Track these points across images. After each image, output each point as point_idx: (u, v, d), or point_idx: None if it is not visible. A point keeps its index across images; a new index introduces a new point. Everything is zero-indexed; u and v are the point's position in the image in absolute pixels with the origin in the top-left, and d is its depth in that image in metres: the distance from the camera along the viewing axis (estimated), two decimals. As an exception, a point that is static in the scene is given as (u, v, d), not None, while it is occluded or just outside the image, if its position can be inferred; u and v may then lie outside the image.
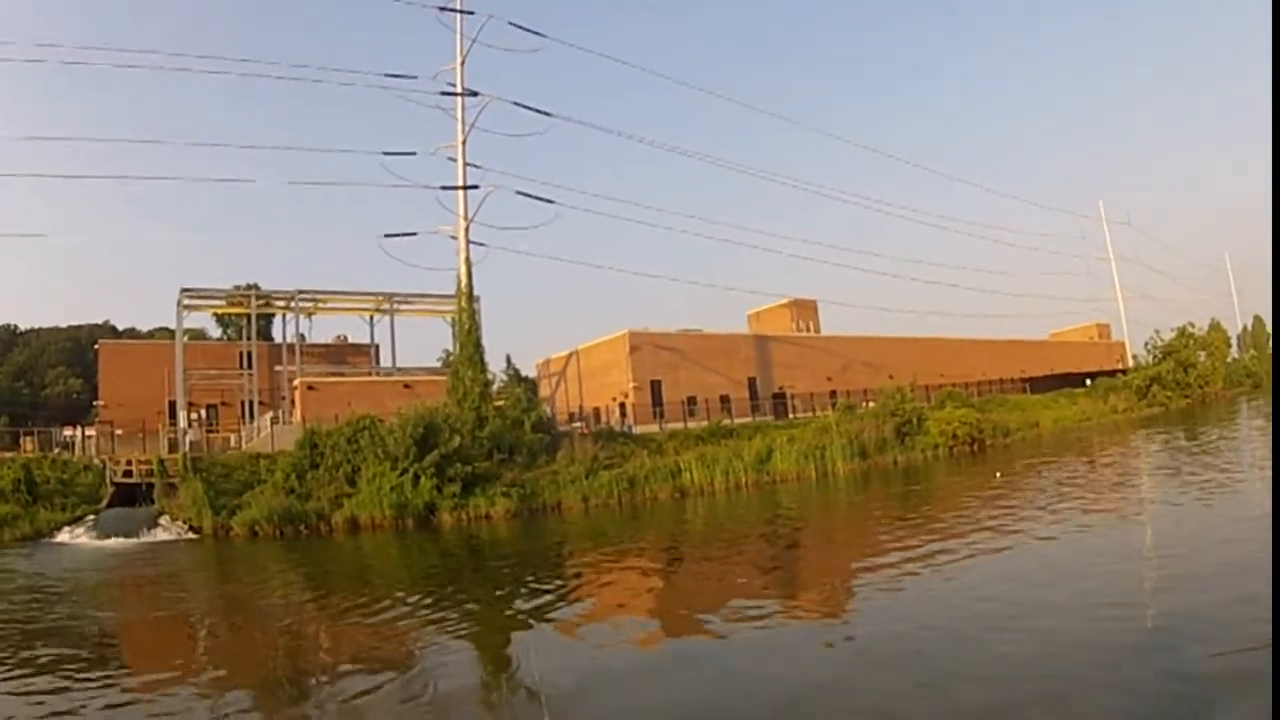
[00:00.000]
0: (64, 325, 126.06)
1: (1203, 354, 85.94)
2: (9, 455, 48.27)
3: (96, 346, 77.40)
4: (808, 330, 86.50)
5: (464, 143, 53.59)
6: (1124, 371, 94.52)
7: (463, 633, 16.22)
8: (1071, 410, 73.75)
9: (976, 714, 9.42)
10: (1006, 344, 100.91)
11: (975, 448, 52.56)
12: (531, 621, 16.67)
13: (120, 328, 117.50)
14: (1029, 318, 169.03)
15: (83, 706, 11.78)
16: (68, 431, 57.85)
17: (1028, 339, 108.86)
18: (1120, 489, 30.25)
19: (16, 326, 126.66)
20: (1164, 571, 16.21)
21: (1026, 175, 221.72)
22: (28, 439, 56.79)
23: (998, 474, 37.08)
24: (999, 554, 19.28)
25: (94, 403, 73.06)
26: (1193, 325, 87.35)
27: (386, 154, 52.18)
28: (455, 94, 53.95)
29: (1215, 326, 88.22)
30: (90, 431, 56.46)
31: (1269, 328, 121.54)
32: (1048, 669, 10.64)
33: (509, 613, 17.94)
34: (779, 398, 73.28)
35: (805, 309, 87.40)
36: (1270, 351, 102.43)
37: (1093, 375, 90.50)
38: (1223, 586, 13.20)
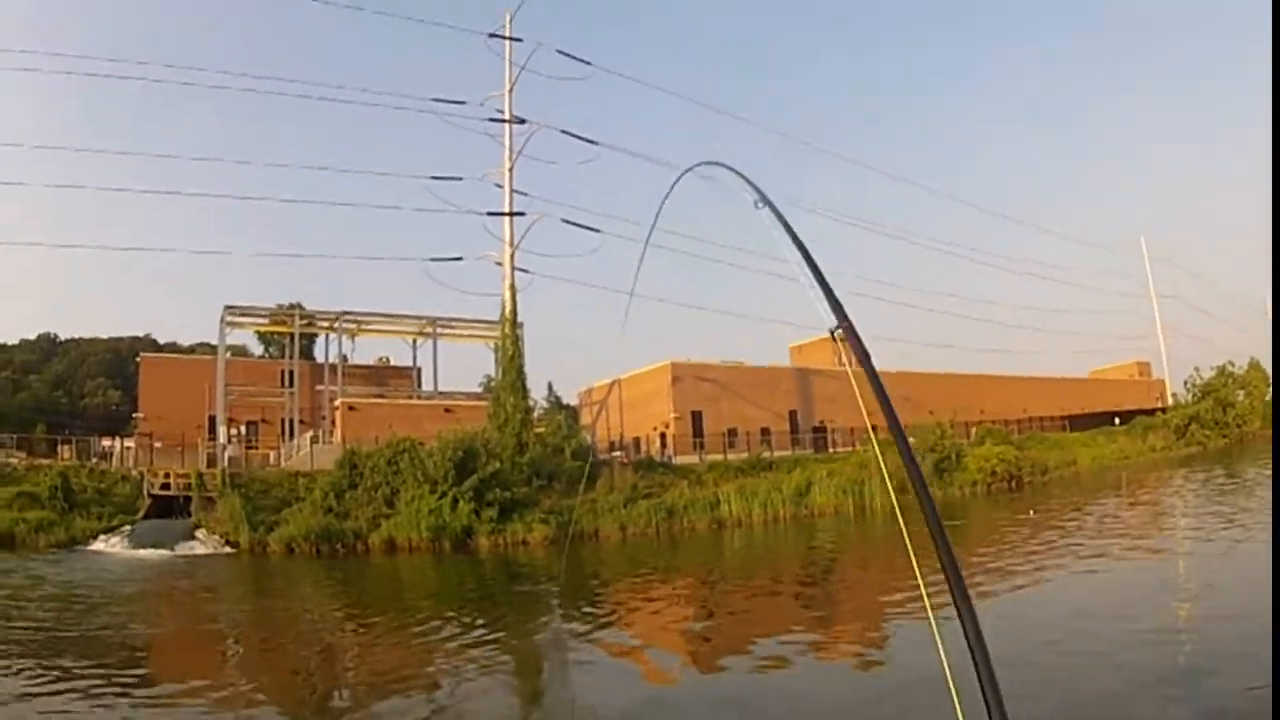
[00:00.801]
0: (104, 336, 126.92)
1: (1241, 393, 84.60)
2: (46, 462, 48.59)
3: (138, 359, 77.73)
4: (850, 364, 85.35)
5: (511, 169, 53.74)
6: (1163, 410, 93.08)
7: (495, 657, 15.98)
8: (1110, 449, 72.87)
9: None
10: (1046, 381, 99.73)
11: (1013, 485, 52.09)
12: (565, 649, 16.52)
13: (161, 341, 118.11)
14: (1069, 354, 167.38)
15: (107, 716, 11.63)
16: (106, 442, 58.21)
17: (1067, 376, 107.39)
18: (1158, 526, 29.85)
19: (56, 335, 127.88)
20: (1200, 607, 15.86)
21: (1068, 211, 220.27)
22: (65, 447, 57.11)
23: (1030, 511, 36.90)
24: (1037, 587, 19.11)
25: (133, 414, 73.38)
26: (1232, 364, 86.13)
27: (434, 178, 52.10)
28: (503, 120, 54.17)
29: (1254, 366, 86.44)
30: (129, 443, 56.81)
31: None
32: (1088, 693, 10.59)
33: (542, 639, 17.84)
34: (819, 431, 72.82)
35: (847, 342, 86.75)
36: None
37: (1131, 414, 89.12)
38: (1259, 621, 12.88)
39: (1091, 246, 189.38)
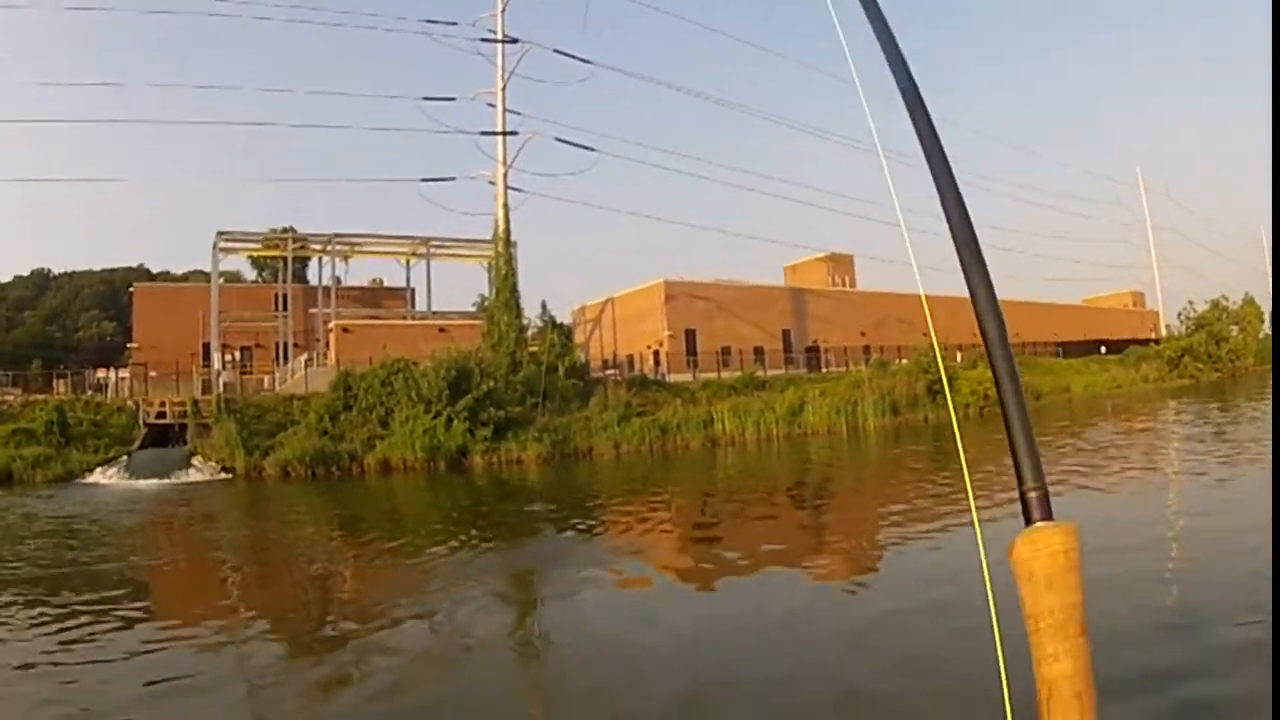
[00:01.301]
0: (97, 269, 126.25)
1: (1235, 328, 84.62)
2: (42, 397, 48.74)
3: (131, 289, 77.75)
4: (843, 285, 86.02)
5: (504, 89, 53.84)
6: (1156, 341, 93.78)
7: (491, 577, 15.94)
8: (1103, 377, 73.50)
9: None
10: (1040, 306, 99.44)
11: (1004, 409, 51.85)
12: (559, 568, 16.43)
13: (154, 271, 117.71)
14: (1063, 281, 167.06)
15: (107, 648, 11.52)
16: (101, 374, 58.19)
17: (1061, 303, 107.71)
18: (1154, 455, 29.76)
19: (50, 270, 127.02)
20: (1192, 537, 15.84)
21: (1067, 139, 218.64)
22: (60, 381, 57.32)
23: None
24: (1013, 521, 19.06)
25: (127, 345, 73.19)
26: (1226, 299, 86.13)
27: (426, 99, 52.42)
28: (496, 40, 54.11)
29: (1249, 301, 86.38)
30: (124, 374, 56.72)
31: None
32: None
33: (536, 557, 17.81)
34: (812, 351, 73.35)
35: (841, 263, 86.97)
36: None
37: (1124, 343, 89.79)
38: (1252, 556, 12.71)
39: (1089, 175, 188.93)
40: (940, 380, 52.42)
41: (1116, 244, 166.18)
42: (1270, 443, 24.16)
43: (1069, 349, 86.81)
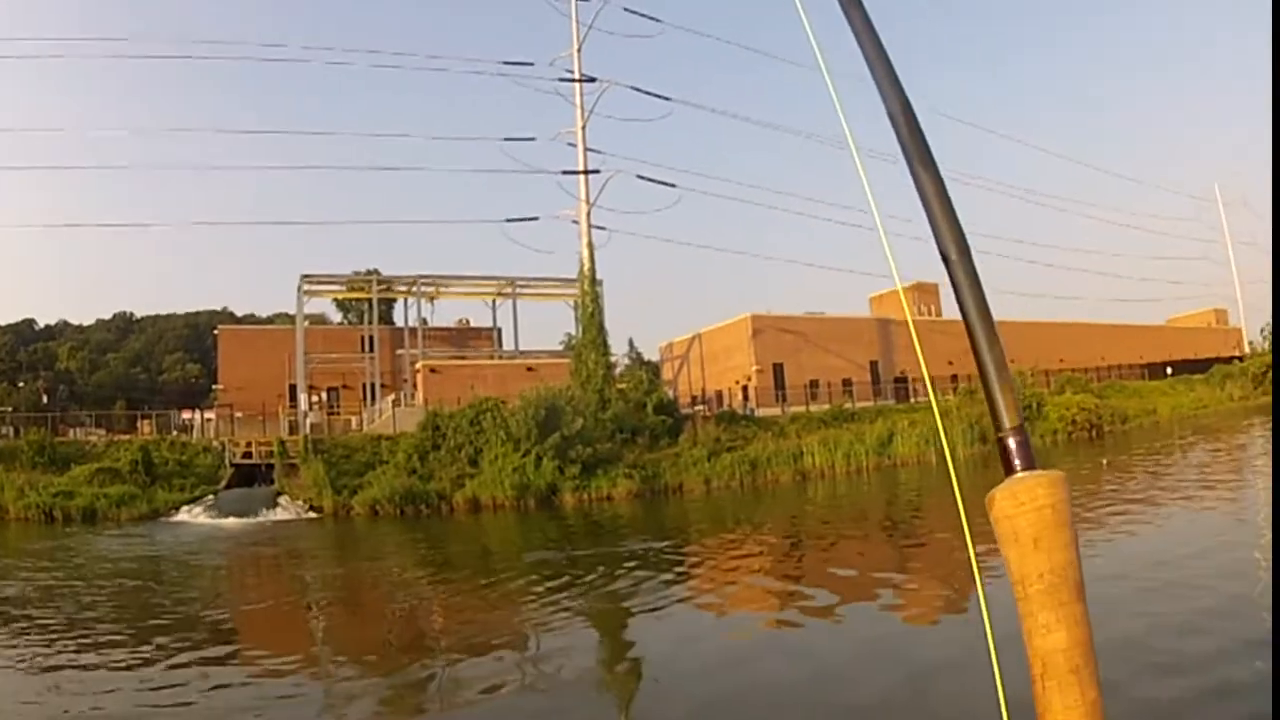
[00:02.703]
0: (181, 312, 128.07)
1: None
2: (126, 438, 48.84)
3: (216, 332, 78.12)
4: (929, 314, 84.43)
5: (584, 128, 53.61)
6: (1240, 358, 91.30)
7: (580, 613, 15.69)
8: (1188, 397, 71.66)
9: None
10: (1124, 329, 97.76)
11: (1093, 434, 51.47)
12: (648, 604, 16.04)
13: (239, 314, 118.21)
14: (1146, 302, 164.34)
15: (194, 685, 11.34)
16: (186, 415, 58.66)
17: (1145, 324, 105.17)
18: (1244, 476, 28.75)
19: (133, 314, 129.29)
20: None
21: (1143, 157, 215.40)
22: (145, 422, 57.62)
23: (1105, 461, 36.07)
24: (1120, 538, 18.37)
25: (213, 387, 74.02)
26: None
27: (507, 139, 52.35)
28: (573, 80, 53.93)
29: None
30: (209, 415, 57.29)
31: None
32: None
33: (627, 593, 17.25)
34: (900, 381, 72.15)
35: (927, 292, 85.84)
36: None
37: (1209, 362, 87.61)
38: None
39: (1167, 192, 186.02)
40: (1028, 407, 50.91)
41: (1198, 262, 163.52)
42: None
43: (1154, 370, 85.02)
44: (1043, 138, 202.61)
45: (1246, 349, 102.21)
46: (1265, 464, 28.72)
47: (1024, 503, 1.39)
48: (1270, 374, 74.88)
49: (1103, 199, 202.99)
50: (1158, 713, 8.37)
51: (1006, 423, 1.51)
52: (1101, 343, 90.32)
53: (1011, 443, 1.49)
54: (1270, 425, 28.50)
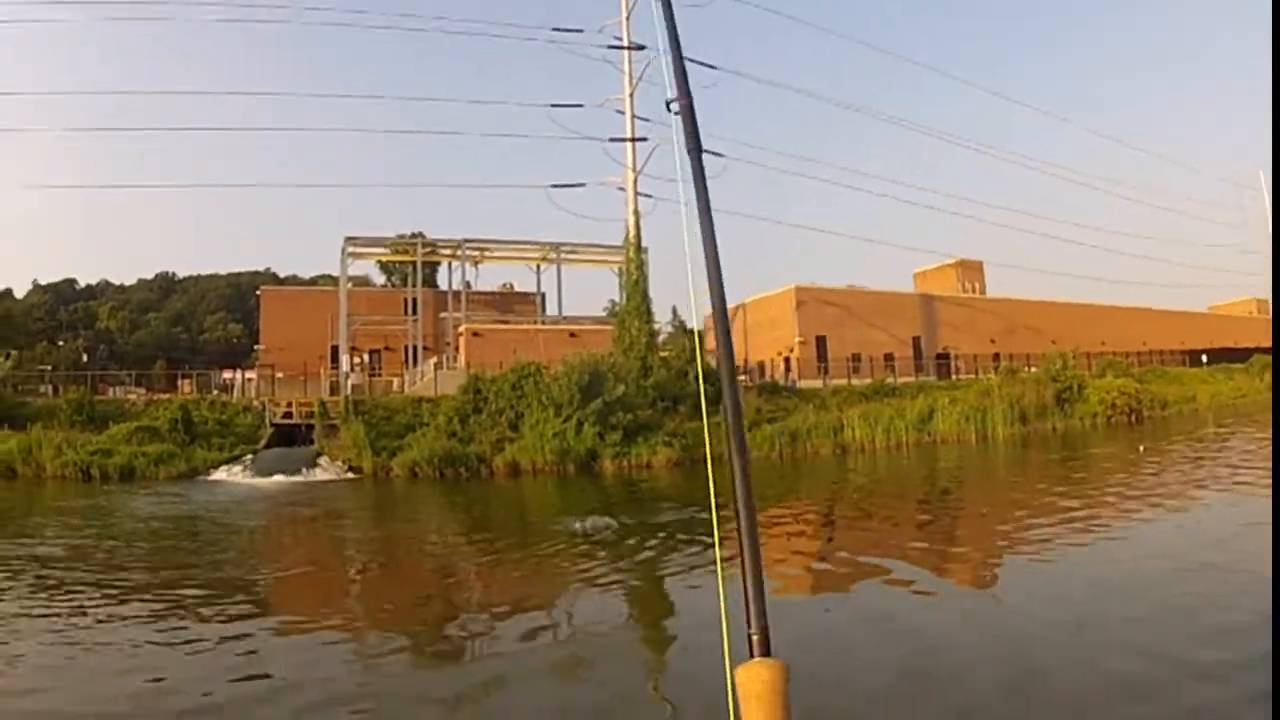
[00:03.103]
0: (224, 273, 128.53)
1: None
2: (166, 397, 49.15)
3: (258, 292, 78.83)
4: (973, 291, 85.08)
5: (632, 95, 53.44)
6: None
7: (615, 579, 15.59)
8: (1228, 385, 71.07)
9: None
10: (1166, 314, 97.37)
11: (1133, 418, 50.78)
12: (686, 569, 16.01)
13: (281, 275, 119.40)
14: (1189, 288, 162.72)
15: (229, 643, 11.20)
16: (227, 374, 59.12)
17: (1187, 310, 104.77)
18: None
19: (175, 274, 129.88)
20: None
21: (1190, 143, 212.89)
22: (185, 381, 58.12)
23: (1141, 448, 35.55)
24: (1150, 525, 18.06)
25: (254, 347, 74.63)
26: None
27: (554, 106, 51.76)
28: (622, 47, 53.55)
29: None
30: (250, 375, 57.84)
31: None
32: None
33: (665, 559, 17.24)
34: (943, 358, 72.28)
35: (971, 270, 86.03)
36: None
37: (1249, 351, 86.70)
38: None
39: (1212, 179, 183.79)
40: (1069, 389, 51.03)
41: (1242, 251, 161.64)
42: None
43: (1194, 357, 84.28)
44: (1099, 123, 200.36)
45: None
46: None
47: (753, 678, 1.94)
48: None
49: (1149, 184, 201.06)
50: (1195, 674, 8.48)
51: (754, 622, 2.06)
52: (1143, 327, 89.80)
53: (755, 637, 2.06)
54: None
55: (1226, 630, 9.62)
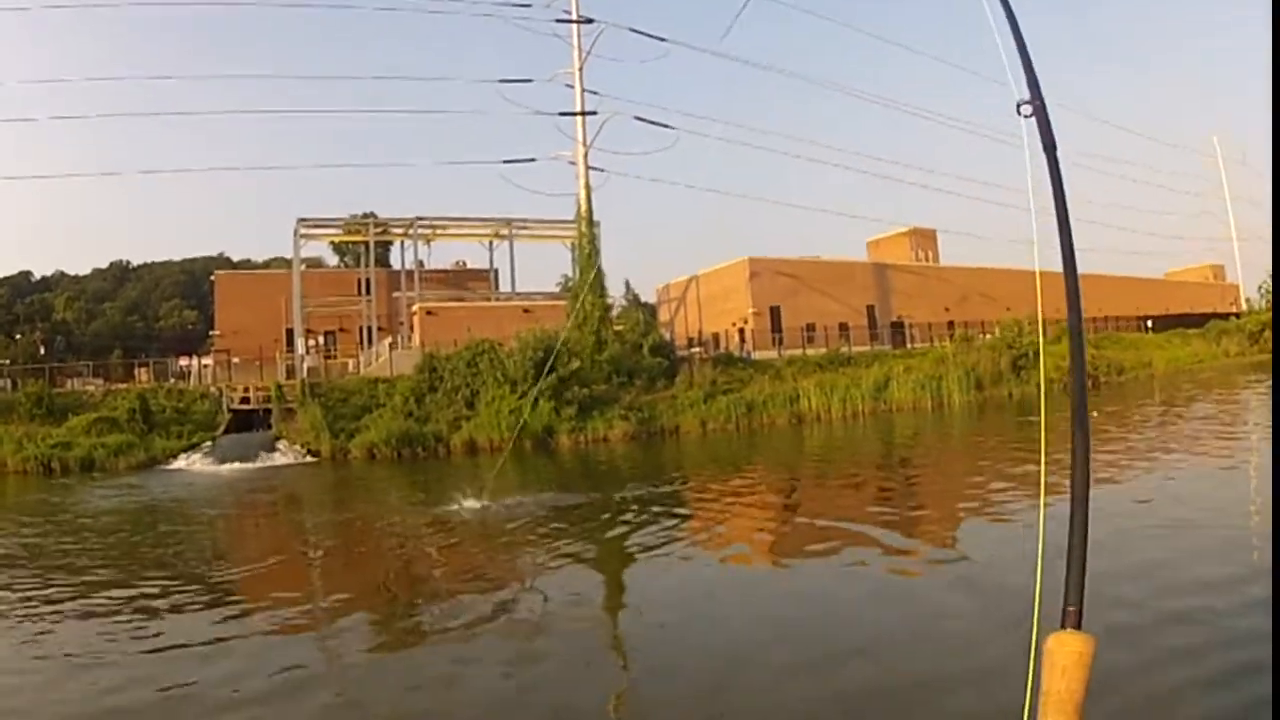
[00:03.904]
0: (177, 259, 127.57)
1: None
2: (124, 386, 49.03)
3: (212, 278, 78.44)
4: (927, 260, 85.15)
5: (581, 69, 53.45)
6: (1237, 315, 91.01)
7: (575, 554, 15.61)
8: (1184, 351, 71.46)
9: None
10: (1122, 281, 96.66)
11: (1090, 384, 50.62)
12: (643, 542, 16.11)
13: (235, 259, 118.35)
14: (1143, 255, 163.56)
15: (190, 629, 11.31)
16: (183, 361, 58.63)
17: (1143, 277, 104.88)
18: (1245, 431, 28.61)
19: (129, 262, 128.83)
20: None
21: (1144, 109, 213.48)
22: (142, 370, 57.87)
23: (1094, 413, 35.73)
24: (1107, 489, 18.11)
25: (210, 333, 74.45)
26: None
27: (503, 81, 51.86)
28: (571, 20, 53.73)
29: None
30: (206, 361, 57.52)
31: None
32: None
33: (621, 532, 17.28)
34: (897, 327, 72.28)
35: (924, 238, 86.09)
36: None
37: (1205, 317, 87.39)
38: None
39: (1166, 144, 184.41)
40: (1024, 355, 51.10)
41: (1197, 217, 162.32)
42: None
43: (1152, 324, 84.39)
44: (1055, 90, 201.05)
45: (1244, 305, 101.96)
46: (1262, 418, 28.65)
47: (1066, 647, 2.11)
48: (1267, 332, 74.93)
49: (1103, 149, 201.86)
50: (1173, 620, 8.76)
51: (1072, 599, 2.22)
52: (1098, 294, 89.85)
53: (1071, 610, 2.21)
54: (1270, 388, 28.29)
55: (1208, 583, 9.92)
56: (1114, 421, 32.34)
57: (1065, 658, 1.95)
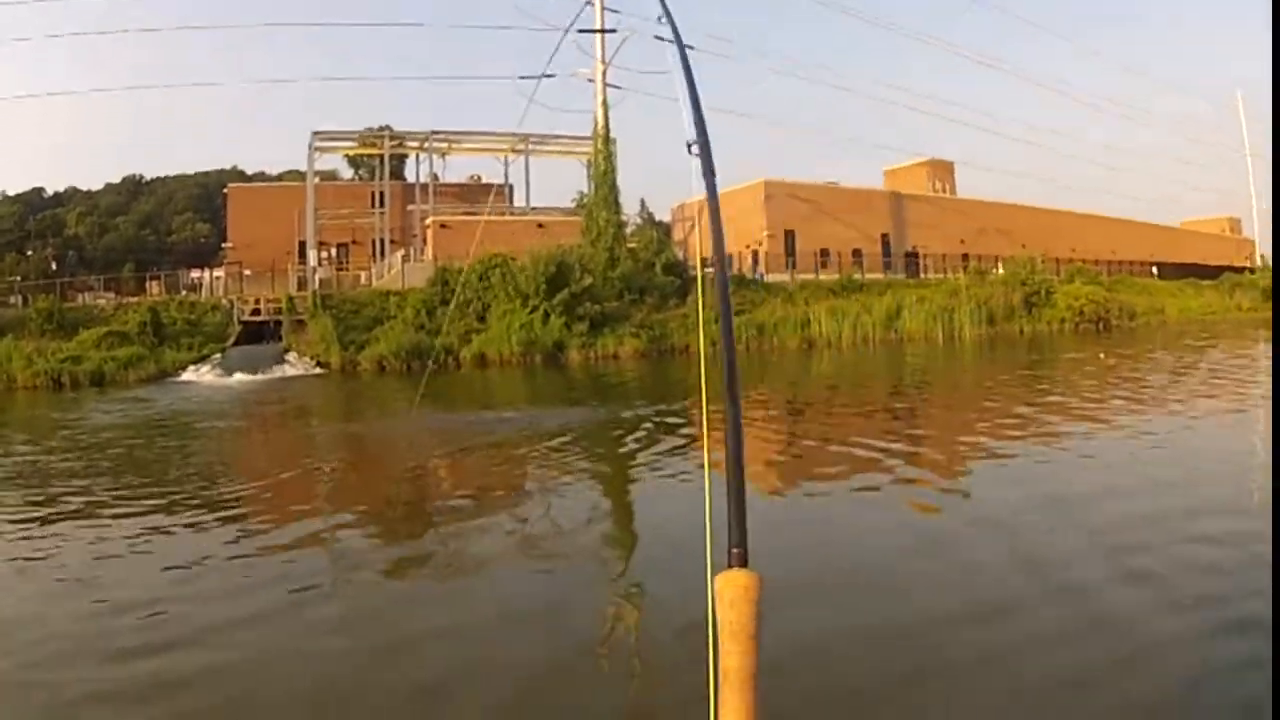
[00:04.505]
0: (191, 172, 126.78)
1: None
2: (135, 300, 48.82)
3: (225, 191, 78.71)
4: (944, 191, 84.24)
5: (600, -16, 52.75)
6: (1251, 270, 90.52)
7: (581, 469, 15.39)
8: (1197, 301, 71.17)
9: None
10: (1138, 226, 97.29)
11: (1101, 326, 51.04)
12: (647, 461, 15.70)
13: (249, 173, 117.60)
14: (1160, 202, 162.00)
15: (193, 542, 10.89)
16: (195, 274, 58.82)
17: (1159, 224, 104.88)
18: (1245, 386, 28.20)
19: (142, 176, 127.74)
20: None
21: (1172, 57, 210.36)
22: (154, 283, 57.74)
23: (1101, 355, 34.91)
24: (1107, 433, 17.68)
25: (222, 246, 74.13)
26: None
27: (522, -4, 51.35)
28: (589, -67, 52.94)
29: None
30: (218, 274, 57.36)
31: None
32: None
33: (625, 451, 16.84)
34: (911, 257, 72.00)
35: (942, 170, 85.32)
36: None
37: (1219, 269, 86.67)
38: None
39: (1194, 98, 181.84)
40: (1037, 293, 51.49)
41: (1216, 169, 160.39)
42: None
43: (1165, 271, 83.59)
44: (1086, 39, 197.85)
45: (1258, 261, 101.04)
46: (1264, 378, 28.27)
47: (733, 584, 2.03)
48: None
49: (1129, 99, 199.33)
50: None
51: (735, 540, 2.15)
52: (1114, 237, 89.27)
53: (735, 552, 2.13)
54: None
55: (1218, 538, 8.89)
56: (1126, 366, 31.24)
57: (733, 592, 2.04)
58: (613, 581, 8.87)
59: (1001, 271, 57.46)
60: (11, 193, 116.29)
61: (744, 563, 2.12)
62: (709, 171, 2.41)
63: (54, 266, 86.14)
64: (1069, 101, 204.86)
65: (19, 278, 68.44)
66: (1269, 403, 16.67)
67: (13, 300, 52.51)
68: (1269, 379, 23.04)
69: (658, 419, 20.66)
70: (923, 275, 66.30)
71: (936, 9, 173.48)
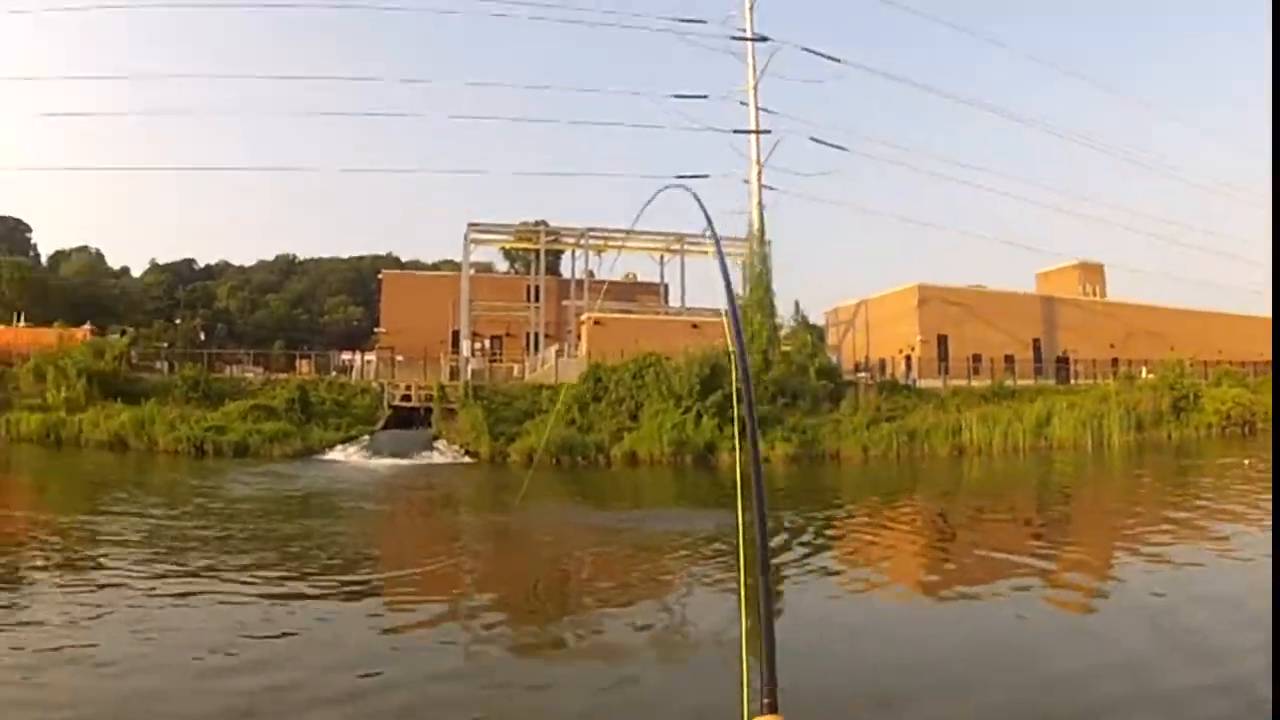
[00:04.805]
0: (345, 256, 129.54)
1: None
2: (284, 376, 49.79)
3: (380, 276, 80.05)
4: (1094, 294, 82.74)
5: (755, 87, 53.06)
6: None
7: (726, 571, 15.13)
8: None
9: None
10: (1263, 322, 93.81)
11: (1246, 429, 49.21)
12: (795, 566, 15.77)
13: (404, 260, 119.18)
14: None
15: (327, 627, 11.23)
16: (346, 356, 59.79)
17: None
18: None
19: (295, 256, 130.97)
20: None
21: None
22: (304, 362, 58.83)
23: (1246, 461, 34.10)
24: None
25: (374, 330, 75.74)
26: None
27: (677, 96, 53.25)
28: (745, 38, 53.41)
29: None
30: (370, 357, 58.09)
31: None
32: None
33: (781, 559, 16.44)
34: (1062, 362, 70.50)
35: (1092, 272, 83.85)
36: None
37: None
38: None
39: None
40: (1185, 397, 50.02)
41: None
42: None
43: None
44: (1221, 127, 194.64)
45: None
46: None
47: None
48: None
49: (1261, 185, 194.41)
50: None
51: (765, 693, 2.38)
52: (1262, 338, 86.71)
53: (767, 703, 2.37)
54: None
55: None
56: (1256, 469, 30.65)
57: None
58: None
59: (1149, 375, 56.30)
60: (162, 261, 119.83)
61: (774, 710, 2.32)
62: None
63: (202, 337, 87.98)
64: (1206, 194, 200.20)
65: (167, 344, 70.21)
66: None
67: (159, 366, 53.82)
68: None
69: (803, 528, 20.51)
70: (1073, 380, 65.17)
71: (1075, 107, 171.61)
